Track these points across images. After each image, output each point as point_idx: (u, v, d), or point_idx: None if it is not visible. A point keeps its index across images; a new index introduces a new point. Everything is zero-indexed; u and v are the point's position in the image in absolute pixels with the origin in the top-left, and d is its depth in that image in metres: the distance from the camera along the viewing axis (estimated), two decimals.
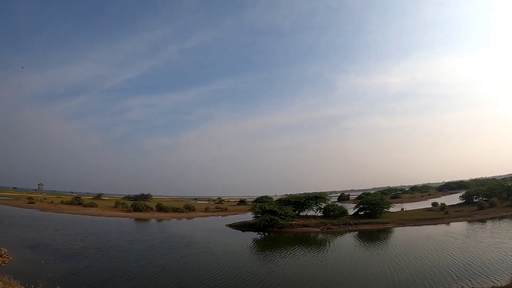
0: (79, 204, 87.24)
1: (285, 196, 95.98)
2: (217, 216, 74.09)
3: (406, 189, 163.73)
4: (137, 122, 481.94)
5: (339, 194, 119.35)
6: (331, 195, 74.00)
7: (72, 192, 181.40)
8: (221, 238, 38.41)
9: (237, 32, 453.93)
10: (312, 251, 29.92)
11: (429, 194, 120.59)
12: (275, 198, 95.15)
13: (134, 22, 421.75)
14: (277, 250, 31.18)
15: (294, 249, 31.46)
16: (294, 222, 46.87)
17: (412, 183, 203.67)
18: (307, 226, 46.03)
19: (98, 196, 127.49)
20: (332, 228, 44.60)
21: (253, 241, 37.72)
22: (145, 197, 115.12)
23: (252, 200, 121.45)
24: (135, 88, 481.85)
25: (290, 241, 37.40)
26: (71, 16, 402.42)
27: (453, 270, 21.19)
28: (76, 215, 63.85)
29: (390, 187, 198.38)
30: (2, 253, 24.06)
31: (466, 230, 39.97)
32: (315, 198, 53.23)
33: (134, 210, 73.37)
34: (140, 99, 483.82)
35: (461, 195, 66.59)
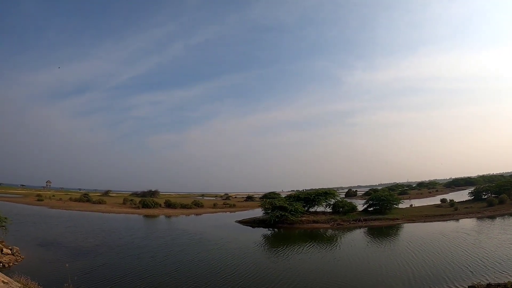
0: (88, 201, 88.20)
1: (292, 192, 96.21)
2: (226, 212, 74.48)
3: (413, 185, 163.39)
4: (143, 119, 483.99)
5: (346, 190, 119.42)
6: (338, 191, 73.88)
7: (80, 189, 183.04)
8: (233, 235, 38.65)
9: (241, 28, 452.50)
10: (325, 248, 30.16)
11: (437, 191, 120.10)
12: (282, 194, 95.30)
13: (139, 19, 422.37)
14: (290, 246, 31.42)
15: (307, 245, 31.67)
16: (304, 218, 47.04)
17: (419, 180, 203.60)
18: (317, 222, 46.22)
19: (106, 193, 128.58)
20: (342, 224, 44.74)
21: (265, 238, 38.00)
22: (152, 193, 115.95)
23: (260, 196, 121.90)
24: (141, 85, 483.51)
25: (301, 237, 37.66)
26: (77, 14, 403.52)
27: (468, 265, 21.30)
28: (85, 212, 64.46)
29: (397, 183, 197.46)
30: (15, 251, 24.01)
31: (477, 226, 39.92)
32: (325, 194, 53.29)
33: (143, 207, 73.98)
34: (146, 96, 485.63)
35: (470, 191, 66.27)
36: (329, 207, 53.04)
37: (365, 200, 58.31)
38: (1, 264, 20.06)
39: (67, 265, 17.79)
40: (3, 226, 26.36)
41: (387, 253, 26.46)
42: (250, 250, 29.73)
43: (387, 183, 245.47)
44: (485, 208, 52.29)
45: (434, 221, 45.98)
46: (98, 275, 19.82)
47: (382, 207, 50.43)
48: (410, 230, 38.60)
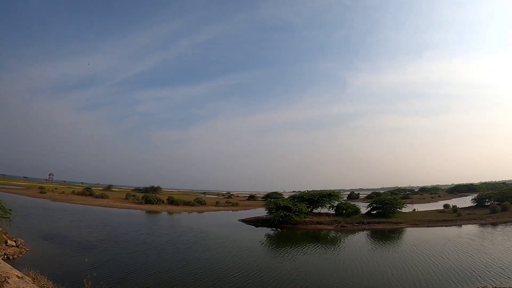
0: (90, 195, 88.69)
1: (293, 193, 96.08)
2: (228, 210, 74.80)
3: (416, 190, 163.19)
4: (148, 115, 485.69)
5: (347, 193, 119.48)
6: (340, 193, 73.88)
7: (82, 183, 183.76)
8: (237, 233, 38.81)
9: (248, 27, 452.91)
10: (331, 249, 30.23)
11: (439, 196, 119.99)
12: (284, 195, 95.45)
13: (145, 15, 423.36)
14: (296, 246, 31.57)
15: (312, 246, 31.80)
16: (308, 219, 47.17)
17: (421, 184, 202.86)
18: (320, 223, 46.37)
19: (108, 188, 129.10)
20: (346, 226, 44.86)
21: (269, 237, 38.14)
22: (155, 189, 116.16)
23: (262, 196, 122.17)
24: (146, 81, 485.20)
25: (306, 238, 37.77)
26: (83, 9, 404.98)
27: (475, 270, 21.43)
28: (88, 206, 64.86)
29: (399, 187, 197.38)
30: (19, 243, 23.95)
31: (481, 232, 39.96)
32: (329, 196, 53.44)
33: (146, 203, 74.34)
34: (151, 92, 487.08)
35: (473, 197, 66.26)
36: (332, 209, 53.18)
37: (367, 203, 58.38)
38: (5, 256, 19.97)
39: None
40: (8, 218, 26.28)
41: (394, 256, 26.55)
42: (256, 249, 29.88)
43: (389, 187, 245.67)
44: (488, 215, 52.29)
45: (437, 226, 46.10)
46: (105, 270, 19.63)
47: (386, 211, 50.41)
48: (414, 234, 38.66)
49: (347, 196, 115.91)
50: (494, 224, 46.18)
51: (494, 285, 18.11)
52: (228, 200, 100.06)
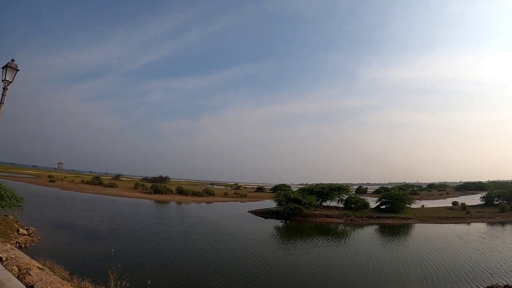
0: (100, 184, 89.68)
1: (301, 186, 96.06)
2: (237, 202, 75.22)
3: (423, 186, 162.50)
4: (156, 105, 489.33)
5: (355, 187, 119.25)
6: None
7: (91, 172, 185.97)
8: (248, 225, 39.18)
9: (259, 18, 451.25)
10: (343, 242, 30.50)
11: (447, 193, 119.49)
12: (291, 187, 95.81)
13: (156, 5, 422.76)
14: (307, 239, 31.92)
15: (323, 239, 32.15)
16: (317, 212, 47.56)
17: (429, 181, 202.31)
18: (330, 216, 46.71)
19: (117, 177, 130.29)
20: (355, 220, 45.16)
21: (279, 229, 38.53)
22: (163, 179, 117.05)
23: (270, 187, 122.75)
24: (155, 71, 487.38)
25: (316, 231, 38.09)
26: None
27: (487, 267, 21.58)
28: (97, 195, 65.57)
29: (407, 183, 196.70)
30: (31, 232, 23.87)
31: (491, 231, 39.96)
32: (338, 189, 53.74)
33: (155, 192, 75.11)
34: (160, 82, 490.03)
35: (482, 196, 66.06)
36: (341, 203, 53.50)
37: (376, 198, 58.59)
38: (17, 245, 19.85)
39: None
40: (19, 206, 26.23)
41: (406, 251, 26.74)
42: (268, 241, 30.25)
43: (397, 183, 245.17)
44: (496, 214, 52.30)
45: (446, 223, 46.24)
46: (119, 260, 18.78)
47: (395, 206, 50.59)
48: (424, 231, 38.80)
49: (355, 190, 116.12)
50: (503, 223, 46.20)
51: (506, 283, 18.27)
52: (237, 191, 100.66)
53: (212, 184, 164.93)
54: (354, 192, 64.50)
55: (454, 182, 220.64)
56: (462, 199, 74.06)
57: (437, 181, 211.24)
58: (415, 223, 45.16)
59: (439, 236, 34.11)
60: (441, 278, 18.86)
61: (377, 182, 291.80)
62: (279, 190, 63.22)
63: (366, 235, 35.71)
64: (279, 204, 49.01)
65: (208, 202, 68.00)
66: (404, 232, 38.56)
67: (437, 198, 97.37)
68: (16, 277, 8.52)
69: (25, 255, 11.60)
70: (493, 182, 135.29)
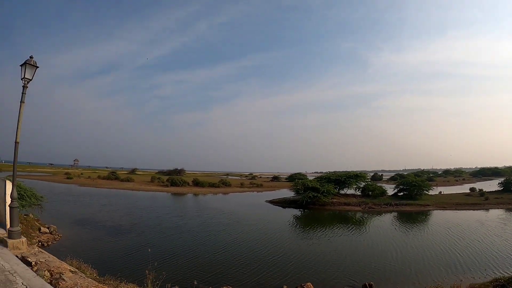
0: (116, 178, 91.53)
1: (316, 174, 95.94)
2: (253, 192, 76.27)
3: (439, 173, 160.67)
4: (168, 98, 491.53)
5: (370, 174, 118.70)
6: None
7: (106, 167, 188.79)
8: (267, 215, 39.66)
9: (266, 7, 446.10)
10: (364, 231, 30.74)
11: (463, 179, 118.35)
12: (307, 176, 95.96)
13: None
14: (328, 228, 32.15)
15: (344, 227, 32.42)
16: (335, 200, 47.83)
17: (443, 167, 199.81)
18: (348, 204, 46.98)
19: (133, 171, 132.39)
20: (373, 208, 45.33)
21: (298, 218, 39.10)
22: (178, 172, 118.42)
23: (285, 176, 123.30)
24: (165, 64, 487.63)
25: (335, 219, 38.42)
26: None
27: (511, 255, 21.68)
28: (114, 190, 66.87)
29: (422, 170, 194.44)
30: (52, 230, 23.73)
31: (511, 217, 39.86)
32: (356, 177, 53.91)
33: (171, 185, 76.53)
34: (170, 75, 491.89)
35: (500, 182, 65.18)
36: (358, 190, 53.67)
37: (393, 185, 58.39)
38: (40, 243, 19.74)
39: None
40: (39, 205, 26.23)
41: (429, 238, 26.84)
42: (291, 231, 30.72)
43: (412, 169, 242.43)
44: None
45: (465, 209, 46.15)
46: (143, 255, 18.58)
47: (412, 193, 50.52)
48: (444, 217, 38.77)
49: (370, 177, 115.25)
50: None
51: None
52: (252, 181, 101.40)
53: (227, 175, 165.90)
54: (370, 180, 64.39)
55: (469, 168, 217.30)
56: (479, 185, 73.27)
57: (452, 167, 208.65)
58: (434, 209, 45.13)
59: (460, 223, 34.08)
60: (469, 265, 19.04)
61: (391, 169, 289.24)
62: (296, 179, 63.35)
63: (386, 223, 35.92)
64: (297, 193, 49.37)
65: (224, 193, 68.96)
66: (424, 219, 38.60)
67: (454, 184, 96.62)
68: (48, 283, 8.27)
69: (54, 257, 11.31)
70: (510, 167, 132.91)
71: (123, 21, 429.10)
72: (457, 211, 44.57)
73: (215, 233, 27.56)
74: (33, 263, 9.91)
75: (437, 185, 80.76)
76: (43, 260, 10.38)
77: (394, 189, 54.83)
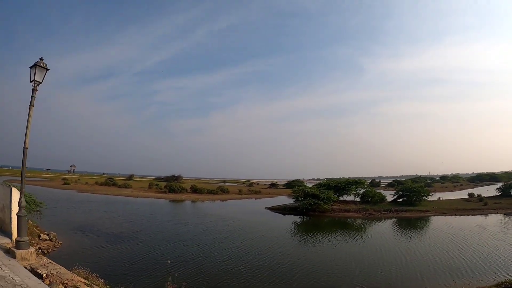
0: (114, 185, 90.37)
1: (313, 181, 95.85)
2: (252, 198, 75.80)
3: (436, 179, 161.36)
4: (167, 104, 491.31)
5: (368, 181, 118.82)
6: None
7: (103, 173, 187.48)
8: (268, 222, 39.43)
9: (265, 14, 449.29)
10: (366, 237, 30.57)
11: (461, 185, 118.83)
12: (304, 183, 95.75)
13: (162, 5, 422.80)
14: (331, 235, 31.90)
15: (346, 234, 32.26)
16: (335, 206, 47.67)
17: (441, 173, 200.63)
18: (348, 211, 46.87)
19: (130, 177, 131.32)
20: (373, 214, 45.22)
21: (299, 225, 38.87)
22: (176, 178, 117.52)
23: (283, 183, 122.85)
24: (165, 70, 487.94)
25: (335, 226, 38.26)
26: (101, 1, 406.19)
27: None
28: (112, 196, 65.91)
29: (419, 176, 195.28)
30: (52, 236, 23.11)
31: (511, 221, 40.05)
32: (355, 183, 53.93)
33: (169, 191, 75.88)
34: (170, 81, 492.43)
35: (498, 187, 65.52)
36: (357, 197, 53.64)
37: (391, 191, 58.41)
38: (40, 251, 18.89)
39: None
40: (38, 211, 25.64)
41: (434, 243, 26.77)
42: (294, 238, 30.59)
43: (409, 175, 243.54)
44: None
45: (465, 214, 46.26)
46: (147, 264, 18.64)
47: (412, 199, 50.57)
48: (446, 223, 38.87)
49: (368, 184, 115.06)
50: None
51: None
52: (251, 188, 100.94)
53: (225, 181, 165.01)
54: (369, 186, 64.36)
55: (466, 174, 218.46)
56: (477, 191, 73.54)
57: (449, 173, 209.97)
58: (434, 215, 45.21)
59: (463, 228, 34.12)
60: (475, 270, 18.98)
61: (389, 176, 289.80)
62: (296, 186, 63.28)
63: (388, 229, 35.85)
64: (297, 199, 49.21)
65: (223, 200, 68.42)
66: (426, 225, 38.60)
67: (452, 190, 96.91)
68: None
69: (65, 269, 10.80)
70: (507, 172, 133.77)
71: (122, 27, 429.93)
72: (457, 216, 44.63)
73: (219, 240, 27.16)
74: (44, 275, 9.45)
75: (435, 191, 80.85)
76: (55, 272, 9.95)
77: (394, 196, 54.80)
